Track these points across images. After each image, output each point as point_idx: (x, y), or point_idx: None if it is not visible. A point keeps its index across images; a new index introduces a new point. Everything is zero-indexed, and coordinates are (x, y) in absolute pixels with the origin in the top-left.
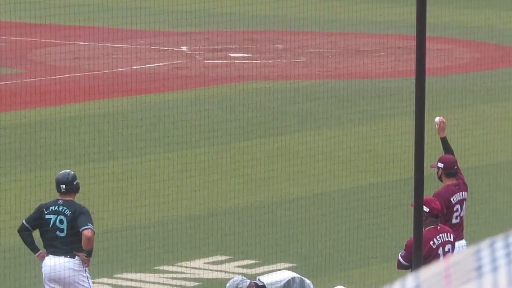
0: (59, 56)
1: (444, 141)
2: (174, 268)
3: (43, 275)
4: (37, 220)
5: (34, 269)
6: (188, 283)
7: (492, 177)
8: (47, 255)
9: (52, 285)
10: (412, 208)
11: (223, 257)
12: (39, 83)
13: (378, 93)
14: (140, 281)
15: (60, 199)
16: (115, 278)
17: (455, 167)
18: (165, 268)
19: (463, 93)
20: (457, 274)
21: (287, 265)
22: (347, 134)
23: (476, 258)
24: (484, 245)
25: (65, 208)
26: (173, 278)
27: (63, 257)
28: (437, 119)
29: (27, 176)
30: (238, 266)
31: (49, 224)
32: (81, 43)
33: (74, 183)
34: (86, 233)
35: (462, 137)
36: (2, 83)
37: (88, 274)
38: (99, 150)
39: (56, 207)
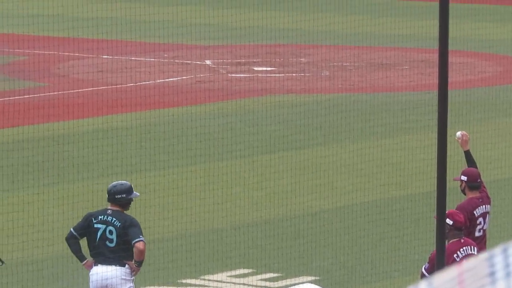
0: (82, 69)
1: (467, 154)
2: (197, 281)
3: (91, 283)
4: (85, 228)
5: (57, 282)
6: None
7: None
8: (95, 264)
9: None
10: (435, 220)
11: (246, 270)
12: (62, 96)
13: (401, 106)
14: None
15: (109, 209)
16: None
17: (478, 180)
18: (189, 281)
19: (485, 107)
20: (470, 280)
21: (310, 278)
22: (370, 147)
23: (489, 264)
24: (497, 251)
25: (114, 219)
26: None
27: (113, 266)
28: (458, 133)
29: (50, 189)
30: (261, 279)
31: (98, 234)
32: (104, 56)
33: (117, 196)
34: (139, 245)
35: (485, 150)
36: (25, 96)
37: (133, 284)
38: (122, 163)
39: (105, 217)
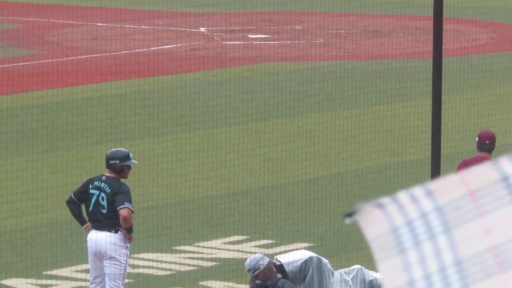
0: (76, 37)
1: None
2: (192, 248)
3: (88, 249)
4: (83, 194)
5: (51, 248)
6: (206, 263)
7: None
8: (91, 229)
9: (94, 258)
10: None
11: (241, 237)
12: (57, 63)
13: (396, 74)
14: (158, 261)
15: (104, 175)
16: (132, 258)
17: (487, 142)
18: (183, 248)
19: (480, 74)
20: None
21: (304, 244)
22: (364, 114)
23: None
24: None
25: (106, 185)
26: (191, 258)
27: (106, 231)
28: None
29: (44, 156)
30: (256, 246)
31: (92, 200)
32: (99, 24)
33: (110, 162)
34: (122, 212)
35: (479, 117)
36: (19, 64)
37: (128, 251)
38: (116, 130)
39: (99, 183)
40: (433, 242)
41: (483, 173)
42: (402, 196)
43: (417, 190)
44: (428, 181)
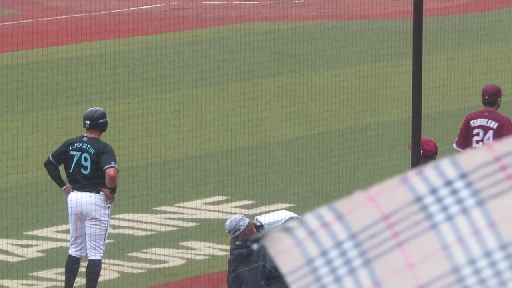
0: None
1: None
2: (172, 209)
3: (69, 210)
4: (62, 155)
5: (31, 208)
6: (186, 224)
7: None
8: (72, 190)
9: (75, 219)
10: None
11: (221, 198)
12: (36, 23)
13: (376, 34)
14: (138, 221)
15: (85, 136)
16: (113, 218)
17: (486, 96)
18: (163, 208)
19: (461, 33)
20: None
21: (285, 205)
22: (344, 74)
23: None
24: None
25: (89, 146)
26: (171, 219)
27: (87, 192)
28: None
29: (24, 116)
30: (236, 207)
31: (73, 161)
32: None
33: (100, 121)
34: (109, 171)
35: (460, 77)
36: None
37: (109, 212)
38: (96, 90)
39: (81, 144)
40: (353, 278)
41: (393, 193)
42: (310, 219)
43: (326, 213)
44: (338, 201)
